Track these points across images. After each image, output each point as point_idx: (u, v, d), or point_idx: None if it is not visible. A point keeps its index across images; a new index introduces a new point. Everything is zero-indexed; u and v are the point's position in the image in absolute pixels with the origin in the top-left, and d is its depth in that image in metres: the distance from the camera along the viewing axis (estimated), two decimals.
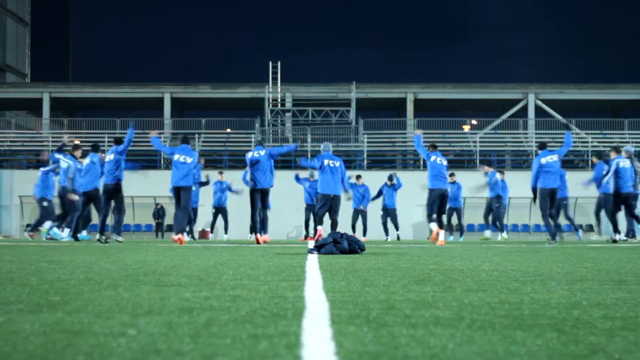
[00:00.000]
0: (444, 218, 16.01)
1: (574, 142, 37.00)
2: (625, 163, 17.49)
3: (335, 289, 3.93)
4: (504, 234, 22.63)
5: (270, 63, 40.35)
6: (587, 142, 36.91)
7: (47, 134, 38.12)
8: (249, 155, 16.00)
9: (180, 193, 15.28)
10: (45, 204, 19.67)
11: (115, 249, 10.90)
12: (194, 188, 16.37)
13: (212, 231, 25.81)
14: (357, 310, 2.99)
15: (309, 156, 34.75)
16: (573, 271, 5.69)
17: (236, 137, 38.05)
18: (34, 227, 20.10)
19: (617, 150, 18.13)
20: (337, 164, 15.18)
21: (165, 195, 30.00)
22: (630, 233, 18.08)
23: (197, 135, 36.59)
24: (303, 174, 24.23)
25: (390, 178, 24.44)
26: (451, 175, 23.02)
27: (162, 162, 35.85)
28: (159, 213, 31.83)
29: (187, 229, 21.22)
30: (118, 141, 16.27)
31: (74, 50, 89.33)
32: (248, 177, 16.46)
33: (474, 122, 40.74)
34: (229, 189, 24.33)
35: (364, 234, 23.38)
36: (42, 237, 19.59)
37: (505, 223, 28.96)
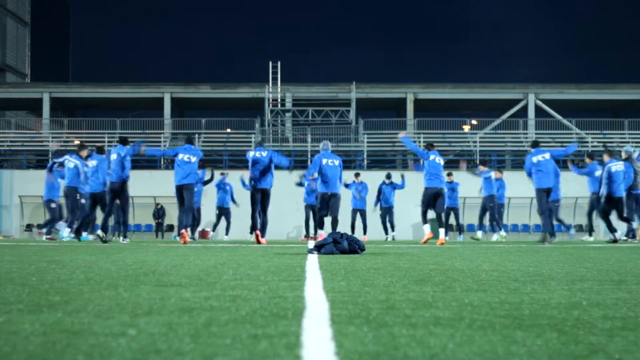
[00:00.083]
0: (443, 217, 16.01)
1: (574, 142, 37.02)
2: (617, 167, 17.61)
3: (335, 289, 3.93)
4: (502, 233, 22.52)
5: (270, 63, 40.38)
6: (587, 142, 36.91)
7: (47, 134, 38.14)
8: (251, 154, 16.00)
9: (183, 192, 15.30)
10: (53, 205, 19.65)
11: (115, 249, 10.90)
12: (195, 189, 16.40)
13: (214, 230, 25.84)
14: (357, 310, 2.99)
15: (309, 156, 34.78)
16: (573, 271, 5.69)
17: (236, 137, 38.06)
18: (49, 230, 19.97)
19: (611, 153, 18.19)
20: (336, 162, 15.19)
21: (165, 195, 30.09)
22: (631, 233, 18.09)
23: (197, 135, 36.59)
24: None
25: (389, 176, 24.45)
26: (449, 175, 23.02)
27: (162, 162, 35.86)
28: (159, 213, 31.84)
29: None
30: (123, 141, 16.30)
31: (74, 50, 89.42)
32: (247, 180, 16.51)
33: (474, 122, 40.74)
34: (232, 193, 24.33)
35: (364, 232, 23.39)
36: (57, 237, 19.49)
37: (505, 223, 28.98)
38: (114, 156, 15.96)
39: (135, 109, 43.62)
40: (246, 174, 18.43)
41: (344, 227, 19.02)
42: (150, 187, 31.40)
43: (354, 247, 9.04)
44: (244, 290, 3.87)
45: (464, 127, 40.57)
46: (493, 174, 22.49)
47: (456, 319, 2.77)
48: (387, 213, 24.23)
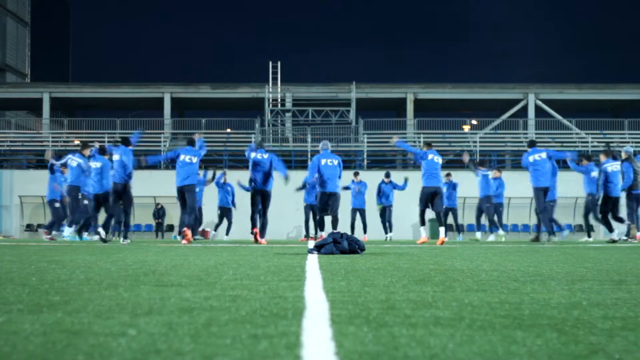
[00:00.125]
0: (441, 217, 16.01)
1: (574, 142, 37.02)
2: (613, 167, 17.71)
3: (335, 289, 3.93)
4: (500, 232, 22.43)
5: (270, 63, 40.38)
6: (587, 142, 36.90)
7: (47, 134, 38.13)
8: (252, 155, 15.99)
9: (185, 194, 15.32)
10: (57, 205, 19.63)
11: (115, 249, 10.90)
12: (197, 189, 16.44)
13: (215, 230, 25.85)
14: (357, 310, 2.99)
15: (309, 156, 34.77)
16: (573, 271, 5.69)
17: (236, 137, 38.05)
18: (51, 229, 19.96)
19: (607, 153, 18.28)
20: (335, 162, 15.19)
21: (165, 195, 30.10)
22: (631, 233, 18.09)
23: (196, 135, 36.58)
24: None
25: (388, 175, 24.44)
26: (447, 175, 23.00)
27: (161, 162, 35.84)
28: (159, 213, 31.84)
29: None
30: (125, 141, 16.32)
31: (74, 50, 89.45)
32: (245, 183, 16.54)
33: (474, 122, 40.74)
34: (234, 194, 24.31)
35: (364, 231, 23.38)
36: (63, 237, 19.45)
37: (505, 223, 28.94)
38: (116, 157, 15.99)
39: (135, 109, 43.62)
40: (244, 178, 18.44)
41: (343, 227, 19.03)
42: (150, 187, 31.39)
43: (354, 247, 9.04)
44: (244, 290, 3.87)
45: (464, 127, 40.57)
46: (492, 173, 22.46)
47: (456, 319, 2.77)
48: (385, 212, 24.23)
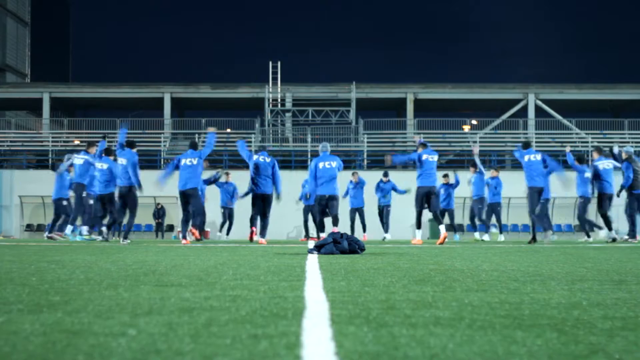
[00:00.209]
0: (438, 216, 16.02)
1: (574, 142, 37.02)
2: (605, 165, 17.86)
3: (335, 289, 3.93)
4: (493, 230, 22.35)
5: (270, 63, 40.37)
6: (587, 142, 36.90)
7: (47, 134, 38.13)
8: (254, 157, 15.98)
9: (189, 198, 15.32)
10: (64, 203, 19.61)
11: (115, 249, 10.90)
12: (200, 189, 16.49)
13: (220, 230, 25.85)
14: (357, 310, 2.99)
15: (309, 156, 34.77)
16: (573, 271, 5.69)
17: (236, 137, 38.03)
18: (60, 228, 19.91)
19: (599, 151, 18.42)
20: (334, 164, 15.18)
21: (165, 195, 30.09)
22: (631, 234, 18.11)
23: (197, 135, 36.60)
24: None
25: (386, 174, 24.43)
26: (445, 176, 22.99)
27: (162, 163, 35.86)
28: (159, 213, 31.83)
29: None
30: (130, 144, 16.34)
31: (74, 50, 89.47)
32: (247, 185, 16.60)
33: (474, 122, 40.73)
34: (235, 193, 24.27)
35: (364, 230, 23.36)
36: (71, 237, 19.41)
37: (505, 223, 28.93)
38: (122, 161, 16.07)
39: (135, 109, 43.63)
40: (244, 178, 18.43)
41: (343, 227, 19.03)
42: (150, 187, 31.37)
43: (354, 247, 9.04)
44: (244, 290, 3.87)
45: (464, 127, 40.56)
46: (489, 173, 22.46)
47: (456, 319, 2.77)
48: (383, 212, 24.22)
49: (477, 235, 22.94)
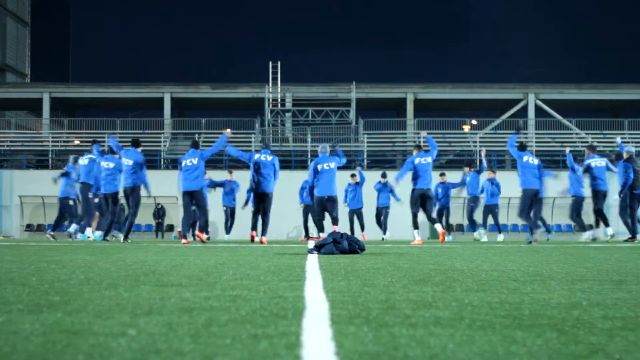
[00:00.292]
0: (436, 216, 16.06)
1: (574, 142, 37.02)
2: (597, 162, 17.95)
3: (335, 289, 3.93)
4: (481, 230, 22.33)
5: (270, 63, 40.36)
6: (587, 142, 36.88)
7: (47, 134, 38.12)
8: (255, 156, 15.95)
9: (194, 197, 15.34)
10: (70, 202, 19.60)
11: (115, 249, 10.90)
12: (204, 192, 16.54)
13: (225, 229, 25.87)
14: (357, 310, 2.99)
15: (309, 156, 34.78)
16: (573, 271, 5.69)
17: (236, 137, 38.03)
18: (62, 228, 19.90)
19: (592, 148, 18.50)
20: (332, 165, 15.19)
21: (165, 195, 30.08)
22: (632, 234, 18.11)
23: (197, 135, 36.60)
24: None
25: (384, 175, 24.43)
26: (442, 175, 23.01)
27: (162, 163, 35.86)
28: (159, 213, 31.82)
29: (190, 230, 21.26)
30: (135, 143, 16.33)
31: (74, 50, 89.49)
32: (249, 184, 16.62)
33: (474, 122, 40.72)
34: (237, 190, 24.35)
35: (362, 229, 23.33)
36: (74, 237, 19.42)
37: (505, 223, 28.93)
38: (128, 162, 16.08)
39: (135, 109, 43.61)
40: (243, 178, 18.45)
41: (343, 228, 19.01)
42: (150, 187, 31.34)
43: (354, 247, 9.04)
44: (244, 290, 3.87)
45: (464, 127, 40.55)
46: (487, 175, 22.46)
47: (456, 319, 2.77)
48: (381, 213, 24.20)
49: (475, 234, 22.95)
